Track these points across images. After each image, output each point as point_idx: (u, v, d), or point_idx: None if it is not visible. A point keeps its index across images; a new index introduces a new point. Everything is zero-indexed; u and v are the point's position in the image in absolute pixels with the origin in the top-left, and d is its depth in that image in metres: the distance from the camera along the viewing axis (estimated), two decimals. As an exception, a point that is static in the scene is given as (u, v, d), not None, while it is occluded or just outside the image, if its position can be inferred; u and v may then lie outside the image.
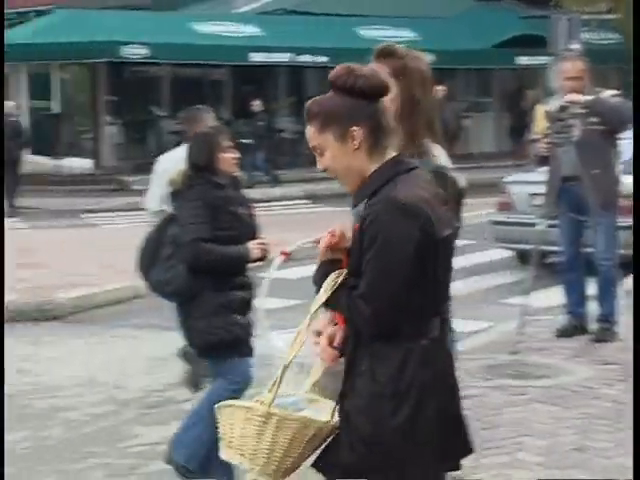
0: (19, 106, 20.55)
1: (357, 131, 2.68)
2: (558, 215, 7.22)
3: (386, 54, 3.31)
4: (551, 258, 8.77)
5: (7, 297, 9.13)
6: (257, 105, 20.46)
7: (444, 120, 22.89)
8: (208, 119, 6.49)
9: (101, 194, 18.70)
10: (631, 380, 6.30)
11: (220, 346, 4.65)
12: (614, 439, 5.17)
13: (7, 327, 8.54)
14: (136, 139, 22.60)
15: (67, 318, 8.95)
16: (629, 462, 4.85)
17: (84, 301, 9.27)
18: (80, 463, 5.33)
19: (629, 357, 6.78)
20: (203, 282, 4.61)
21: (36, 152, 23.30)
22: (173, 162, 6.27)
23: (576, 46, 18.12)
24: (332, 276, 2.74)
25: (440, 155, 3.26)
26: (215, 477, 4.58)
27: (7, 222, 15.05)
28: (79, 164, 22.31)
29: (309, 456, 2.78)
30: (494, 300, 8.94)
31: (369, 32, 23.07)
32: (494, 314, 8.26)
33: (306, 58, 22.22)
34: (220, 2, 26.56)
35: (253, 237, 4.73)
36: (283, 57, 22.23)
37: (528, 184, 9.74)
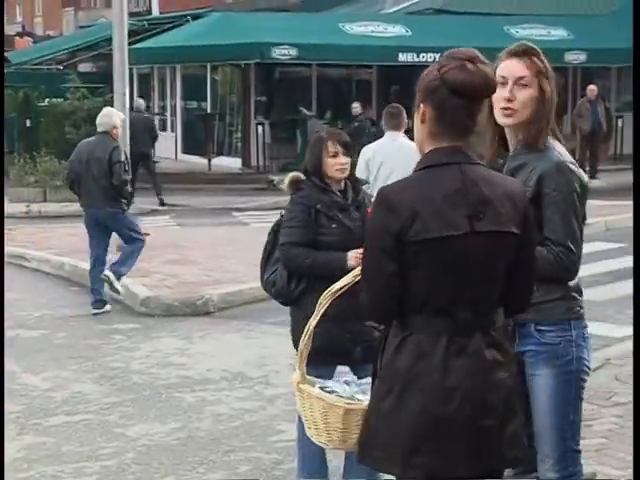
0: (173, 106, 21.11)
1: (423, 109, 2.89)
2: None
3: (529, 53, 3.57)
4: None
5: (159, 292, 9.47)
6: (356, 108, 20.06)
7: (595, 120, 22.33)
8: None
9: (250, 193, 19.05)
10: None
11: (315, 352, 4.74)
12: None
13: (159, 321, 8.85)
14: (284, 139, 22.92)
15: (216, 314, 9.17)
16: None
17: (233, 297, 9.49)
18: (227, 456, 5.48)
19: None
20: (303, 286, 4.61)
21: (188, 151, 23.97)
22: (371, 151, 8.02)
23: None
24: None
25: (561, 151, 3.51)
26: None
27: (160, 220, 15.54)
28: (228, 163, 22.80)
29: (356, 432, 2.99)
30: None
31: (520, 31, 22.70)
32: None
33: (454, 58, 22.06)
34: (369, 3, 26.67)
35: (357, 246, 4.45)
36: (431, 57, 22.17)
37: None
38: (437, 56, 20.65)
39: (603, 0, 24.48)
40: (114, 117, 9.33)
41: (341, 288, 3.09)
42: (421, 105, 2.88)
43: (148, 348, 7.90)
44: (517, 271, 2.88)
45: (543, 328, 3.47)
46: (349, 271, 4.50)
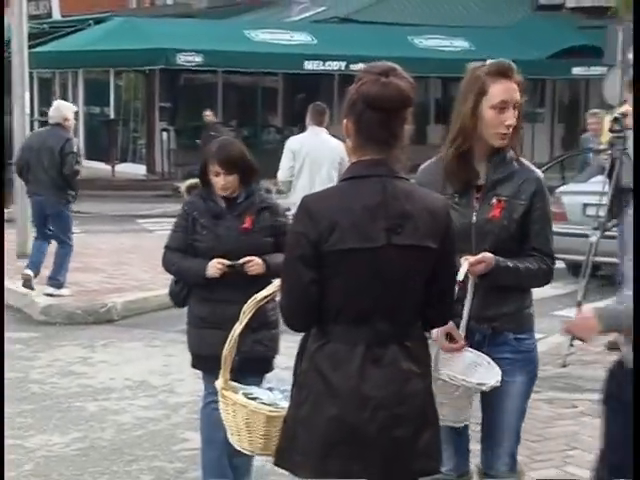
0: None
1: (346, 123, 2.94)
2: (618, 226, 7.17)
3: (516, 73, 3.58)
4: (603, 270, 8.69)
5: (60, 300, 9.31)
6: (209, 116, 19.90)
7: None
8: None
9: (154, 200, 18.89)
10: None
11: (193, 358, 4.77)
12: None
13: (61, 330, 8.70)
14: (189, 145, 22.81)
15: (120, 322, 9.06)
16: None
17: (137, 305, 9.39)
18: (130, 466, 5.41)
19: None
20: (186, 290, 4.68)
21: (91, 157, 23.65)
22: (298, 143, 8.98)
23: (631, 57, 17.96)
24: None
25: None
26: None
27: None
28: (133, 169, 22.57)
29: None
30: (545, 312, 8.88)
31: (424, 41, 23.03)
32: (545, 326, 8.20)
33: (359, 67, 22.26)
34: (274, 11, 26.73)
35: (225, 253, 4.48)
36: (336, 65, 22.32)
37: (581, 194, 9.68)
38: (343, 64, 20.83)
39: (503, 13, 24.99)
40: (63, 109, 9.62)
41: (265, 297, 3.12)
42: (344, 119, 2.94)
43: (48, 357, 7.75)
44: (436, 284, 2.92)
45: (520, 336, 3.58)
46: (209, 279, 4.47)
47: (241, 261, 4.44)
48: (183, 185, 4.85)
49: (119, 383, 7.03)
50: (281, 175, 9.07)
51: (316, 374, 2.87)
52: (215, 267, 4.46)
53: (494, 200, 3.53)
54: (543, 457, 4.96)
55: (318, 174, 8.80)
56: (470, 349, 3.46)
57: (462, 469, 3.73)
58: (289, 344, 3.63)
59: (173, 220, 4.79)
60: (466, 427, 3.64)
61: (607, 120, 8.30)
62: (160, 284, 9.82)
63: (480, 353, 3.46)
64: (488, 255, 3.41)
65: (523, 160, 3.64)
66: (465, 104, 3.55)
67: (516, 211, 3.52)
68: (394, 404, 2.83)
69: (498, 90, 3.51)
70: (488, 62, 3.60)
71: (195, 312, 4.69)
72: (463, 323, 3.42)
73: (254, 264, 4.45)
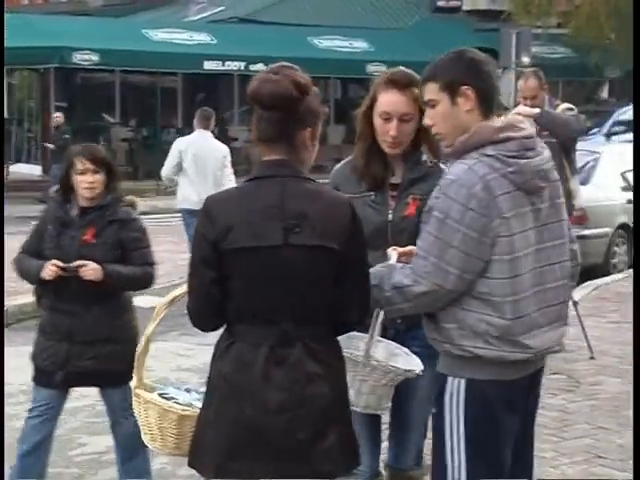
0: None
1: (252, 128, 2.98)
2: None
3: (412, 85, 3.60)
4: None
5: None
6: (58, 117, 19.61)
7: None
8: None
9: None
10: (577, 391, 6.43)
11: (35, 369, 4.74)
12: (558, 448, 5.27)
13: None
14: (86, 146, 22.46)
15: (14, 325, 8.91)
16: (570, 471, 4.96)
17: (32, 308, 9.21)
18: (26, 472, 5.31)
19: (574, 367, 6.91)
20: (39, 291, 4.66)
21: (-16, 158, 23.11)
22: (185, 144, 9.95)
23: (526, 59, 18.39)
24: None
25: None
26: None
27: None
28: (27, 170, 22.15)
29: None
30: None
31: (323, 42, 23.16)
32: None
33: (259, 67, 22.31)
34: (172, 10, 26.55)
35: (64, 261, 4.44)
36: (236, 66, 22.29)
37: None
38: (242, 65, 20.81)
39: (402, 15, 25.30)
40: None
41: (176, 297, 3.11)
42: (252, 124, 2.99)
43: (-60, 363, 7.55)
44: (344, 286, 2.90)
45: None
46: (53, 285, 4.39)
47: (75, 264, 4.37)
48: (51, 190, 4.84)
49: (14, 388, 6.89)
50: (164, 172, 10.07)
51: (221, 376, 2.88)
52: (49, 269, 4.40)
53: (410, 199, 3.62)
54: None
55: (203, 173, 9.68)
56: (389, 341, 3.51)
57: (375, 469, 3.79)
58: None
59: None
60: (379, 423, 3.70)
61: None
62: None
63: (398, 345, 3.51)
64: (415, 248, 3.46)
65: (438, 163, 3.71)
66: (361, 107, 3.69)
67: None
68: (296, 406, 2.83)
69: (384, 100, 3.62)
70: (394, 70, 3.69)
71: (41, 319, 4.66)
72: (379, 319, 3.44)
73: (89, 269, 4.37)
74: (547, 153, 3.11)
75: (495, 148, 2.97)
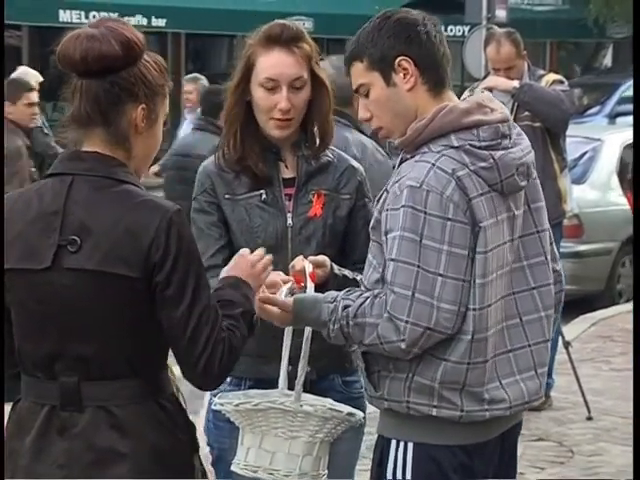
0: None
1: None
2: None
3: (297, 39, 3.64)
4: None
5: None
6: None
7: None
8: None
9: None
10: (571, 462, 6.52)
11: None
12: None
13: None
14: None
15: None
16: None
17: None
18: None
19: (566, 431, 6.99)
20: None
21: None
22: None
23: (502, 14, 18.51)
24: None
25: None
26: None
27: None
28: None
29: None
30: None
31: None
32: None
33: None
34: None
35: None
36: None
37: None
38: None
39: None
40: None
41: None
42: None
43: None
44: (166, 326, 2.77)
45: (349, 379, 3.73)
46: None
47: None
48: None
49: None
50: None
51: (6, 442, 2.85)
52: None
53: (312, 195, 3.64)
54: None
55: None
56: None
57: None
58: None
59: None
60: None
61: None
62: None
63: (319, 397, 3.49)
64: (326, 258, 3.46)
65: (335, 149, 3.75)
66: (232, 80, 3.63)
67: (340, 207, 3.66)
68: None
69: (266, 63, 3.58)
70: (271, 23, 3.65)
71: None
72: (283, 365, 3.41)
73: None
74: (526, 142, 3.15)
75: (462, 137, 2.99)
